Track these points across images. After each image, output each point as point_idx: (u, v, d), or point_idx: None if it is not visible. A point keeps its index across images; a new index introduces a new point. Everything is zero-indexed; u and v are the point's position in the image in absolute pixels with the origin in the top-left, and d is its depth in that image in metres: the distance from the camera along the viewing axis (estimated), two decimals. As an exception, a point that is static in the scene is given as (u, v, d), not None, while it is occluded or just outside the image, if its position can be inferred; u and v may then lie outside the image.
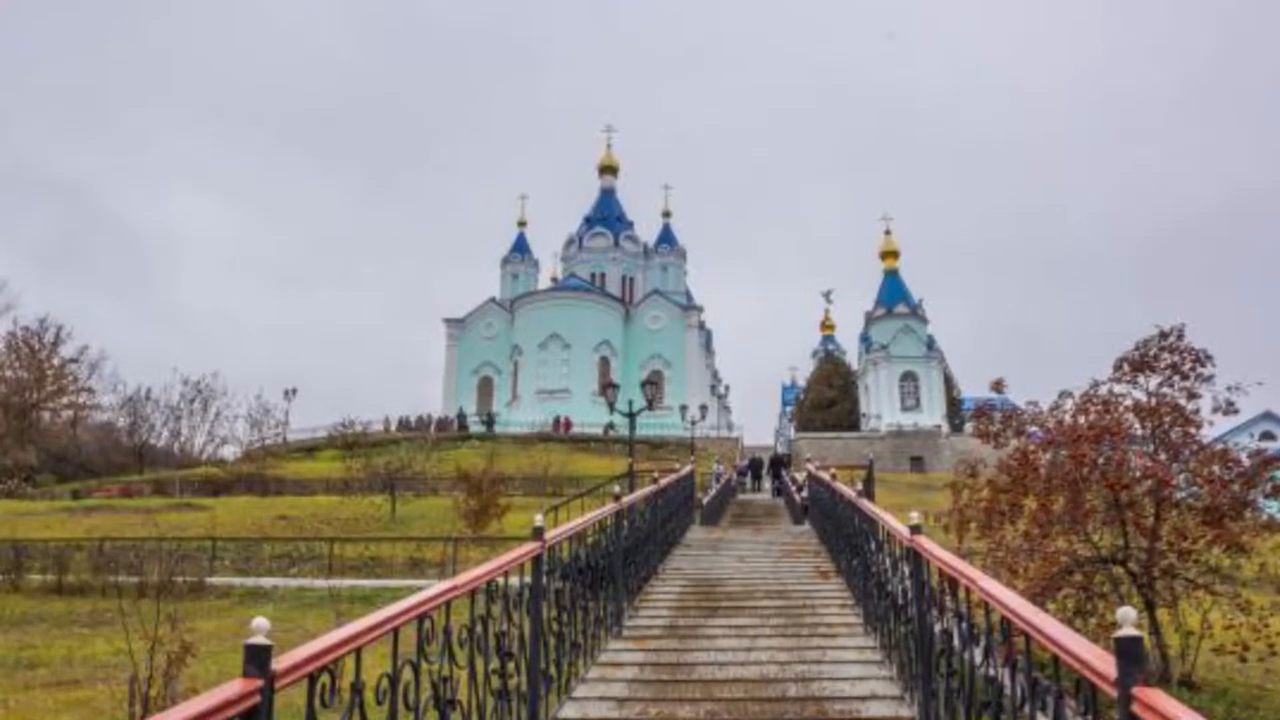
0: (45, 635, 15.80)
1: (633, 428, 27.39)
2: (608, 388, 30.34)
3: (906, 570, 6.14)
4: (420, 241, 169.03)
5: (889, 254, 70.46)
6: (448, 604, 4.30)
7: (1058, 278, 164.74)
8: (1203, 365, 10.68)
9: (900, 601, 6.41)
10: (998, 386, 12.19)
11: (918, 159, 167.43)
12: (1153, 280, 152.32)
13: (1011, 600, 3.75)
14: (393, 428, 59.38)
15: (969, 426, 26.95)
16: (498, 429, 61.29)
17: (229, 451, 64.77)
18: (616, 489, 11.05)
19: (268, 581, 21.00)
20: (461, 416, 65.18)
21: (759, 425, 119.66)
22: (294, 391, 63.36)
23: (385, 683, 3.61)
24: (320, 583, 19.62)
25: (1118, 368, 11.09)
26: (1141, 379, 10.95)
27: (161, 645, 8.68)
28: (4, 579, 21.23)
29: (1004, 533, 10.69)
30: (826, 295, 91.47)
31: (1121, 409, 10.83)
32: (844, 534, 10.51)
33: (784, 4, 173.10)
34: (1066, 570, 10.00)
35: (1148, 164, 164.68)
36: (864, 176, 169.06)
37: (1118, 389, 11.06)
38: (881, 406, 64.04)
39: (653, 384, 30.46)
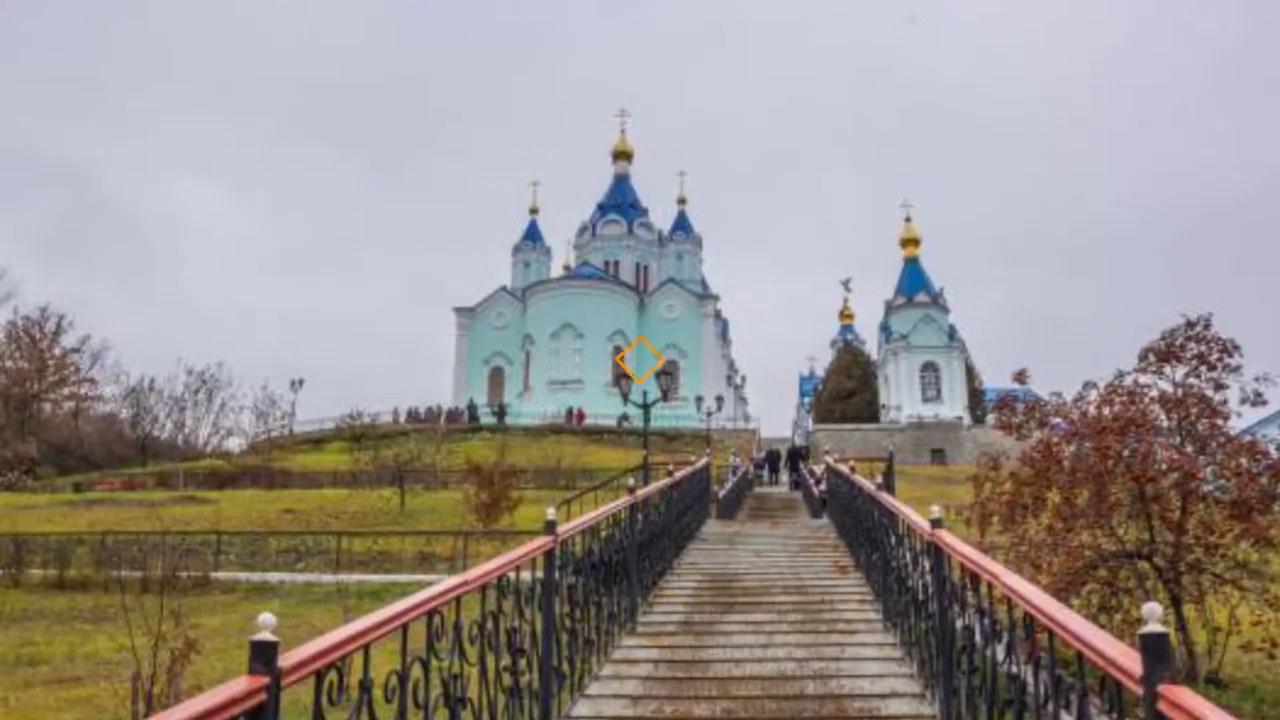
0: (46, 631, 15.85)
1: (647, 419, 27.26)
2: (621, 378, 30.18)
3: (927, 565, 6.05)
4: (430, 229, 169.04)
5: (909, 242, 69.93)
6: (458, 600, 4.23)
7: (1082, 266, 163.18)
8: (1230, 355, 10.55)
9: (921, 597, 6.31)
10: (1020, 377, 12.05)
11: (939, 145, 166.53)
12: (1180, 268, 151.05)
13: (1035, 596, 3.71)
14: (402, 419, 59.28)
15: (991, 418, 26.82)
16: (509, 420, 61.21)
17: (234, 444, 63.35)
18: (631, 482, 10.95)
19: (274, 576, 21.02)
20: (472, 408, 65.04)
21: (776, 417, 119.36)
22: (301, 382, 62.08)
23: (394, 680, 3.55)
24: (328, 578, 19.58)
25: (1143, 358, 10.95)
26: (1168, 369, 10.81)
27: (165, 642, 8.64)
28: (4, 574, 21.25)
29: (1027, 527, 10.56)
30: (845, 284, 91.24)
31: (1147, 400, 10.70)
32: (863, 528, 10.38)
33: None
34: (1091, 565, 9.87)
35: (1175, 149, 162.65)
36: (884, 163, 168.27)
37: (1143, 380, 10.94)
38: (902, 397, 63.73)
39: (667, 374, 30.29)
